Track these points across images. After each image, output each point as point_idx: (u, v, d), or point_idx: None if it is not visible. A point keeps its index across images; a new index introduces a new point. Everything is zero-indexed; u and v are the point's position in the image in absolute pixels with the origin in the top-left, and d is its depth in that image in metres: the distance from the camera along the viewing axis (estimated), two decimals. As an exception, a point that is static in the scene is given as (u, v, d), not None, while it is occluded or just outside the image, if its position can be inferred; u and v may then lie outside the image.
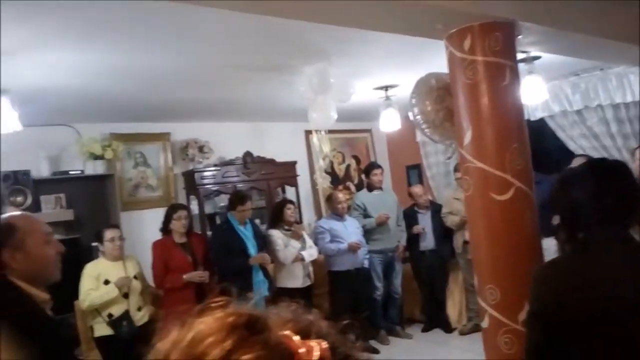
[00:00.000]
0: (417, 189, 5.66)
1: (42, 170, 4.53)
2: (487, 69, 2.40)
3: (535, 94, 4.32)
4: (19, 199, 4.19)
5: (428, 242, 5.47)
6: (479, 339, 2.60)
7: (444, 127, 2.71)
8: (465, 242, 5.06)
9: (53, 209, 4.43)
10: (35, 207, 4.24)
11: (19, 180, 4.22)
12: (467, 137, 2.44)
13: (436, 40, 2.62)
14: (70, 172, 4.63)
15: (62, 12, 2.37)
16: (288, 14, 2.27)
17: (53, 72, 3.21)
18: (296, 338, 0.54)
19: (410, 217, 5.54)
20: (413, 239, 5.49)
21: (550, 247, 2.46)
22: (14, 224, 1.65)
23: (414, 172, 6.85)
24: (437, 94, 2.72)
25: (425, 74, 2.91)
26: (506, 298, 2.33)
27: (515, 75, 2.50)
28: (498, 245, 2.36)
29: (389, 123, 5.10)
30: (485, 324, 2.48)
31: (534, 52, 3.88)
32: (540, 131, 5.32)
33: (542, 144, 5.27)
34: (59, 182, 4.59)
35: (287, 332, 0.54)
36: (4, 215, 1.74)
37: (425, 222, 5.50)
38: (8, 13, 2.29)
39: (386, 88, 4.77)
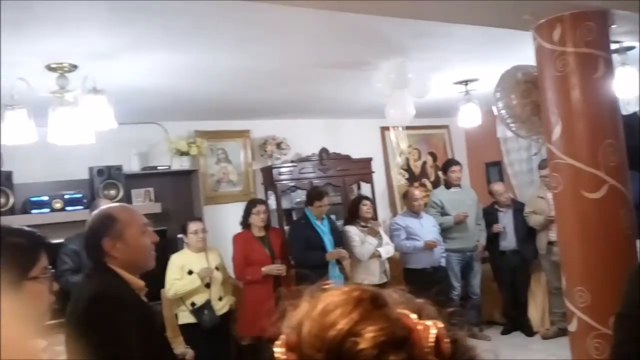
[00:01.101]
0: (498, 187, 5.47)
1: (132, 165, 4.81)
2: (578, 61, 2.28)
3: (628, 86, 4.05)
4: (112, 192, 4.48)
5: (509, 242, 5.28)
6: (563, 344, 2.49)
7: (531, 122, 2.61)
8: (550, 243, 4.84)
9: (142, 202, 4.69)
10: (127, 200, 4.51)
11: (112, 175, 4.51)
12: (556, 132, 2.33)
13: (521, 32, 2.52)
14: (158, 168, 4.89)
15: (153, 18, 2.50)
16: (369, 10, 2.27)
17: (144, 73, 3.40)
18: (413, 316, 0.56)
19: (490, 215, 5.37)
20: (493, 239, 5.32)
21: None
22: (114, 215, 1.77)
23: (494, 169, 6.62)
24: (524, 87, 2.62)
25: (511, 67, 2.81)
26: (597, 301, 2.21)
27: (609, 67, 2.36)
28: (589, 246, 2.24)
29: (469, 118, 4.96)
30: (572, 327, 2.37)
31: (627, 42, 3.64)
32: (633, 126, 4.97)
33: (635, 140, 4.93)
34: (148, 176, 4.86)
35: (404, 311, 0.57)
36: (105, 207, 1.88)
37: (506, 221, 5.31)
38: (104, 20, 2.46)
39: (466, 82, 4.64)
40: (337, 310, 0.55)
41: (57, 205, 4.30)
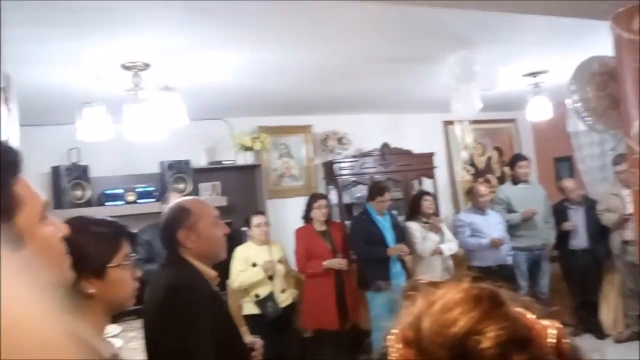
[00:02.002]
0: (568, 183, 5.25)
1: (200, 160, 4.98)
2: (661, 50, 2.15)
3: None
4: (181, 185, 4.66)
5: (580, 241, 5.06)
6: (636, 348, 2.36)
7: (608, 116, 2.48)
8: (624, 242, 4.61)
9: (210, 195, 4.84)
10: (195, 193, 4.67)
11: (181, 169, 4.69)
12: (636, 126, 2.21)
13: (593, 21, 2.40)
14: (224, 162, 5.04)
15: (220, 17, 2.58)
16: (438, 2, 2.24)
17: (211, 71, 3.50)
18: (530, 316, 0.56)
19: (560, 213, 5.16)
20: (563, 237, 5.12)
21: None
22: (188, 208, 1.84)
23: (564, 164, 6.34)
24: (600, 79, 2.49)
25: (587, 58, 2.68)
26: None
27: (696, 56, 2.21)
28: (672, 246, 2.12)
29: (538, 112, 4.78)
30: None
31: None
32: None
33: None
34: (215, 171, 5.01)
35: (522, 310, 0.57)
36: (179, 200, 1.96)
37: (577, 218, 5.09)
38: (175, 20, 2.55)
39: (535, 74, 4.47)
40: (458, 308, 0.55)
41: (130, 197, 4.51)
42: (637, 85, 2.24)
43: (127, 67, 3.17)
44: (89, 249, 1.24)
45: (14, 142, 2.25)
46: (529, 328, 0.54)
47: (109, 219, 1.43)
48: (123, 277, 1.30)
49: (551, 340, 0.54)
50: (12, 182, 0.74)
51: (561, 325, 0.55)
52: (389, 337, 0.58)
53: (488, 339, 0.52)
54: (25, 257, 0.74)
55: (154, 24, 2.61)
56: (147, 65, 3.19)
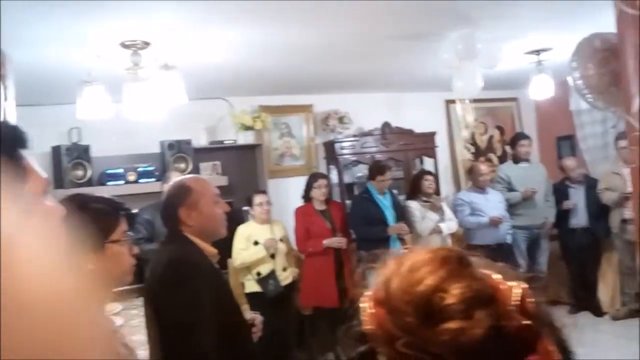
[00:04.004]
0: (569, 162, 5.24)
1: (200, 139, 4.97)
2: (664, 26, 2.13)
3: None
4: (182, 165, 4.66)
5: (580, 220, 5.08)
6: (634, 325, 2.39)
7: (609, 93, 2.47)
8: (624, 221, 4.62)
9: (210, 175, 4.85)
10: (195, 173, 4.67)
11: (181, 149, 4.69)
12: (636, 103, 2.20)
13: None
14: (225, 142, 5.03)
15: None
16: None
17: (211, 49, 3.48)
18: (496, 276, 0.58)
19: (560, 192, 5.17)
20: (563, 216, 5.13)
21: None
22: (189, 186, 1.86)
23: (566, 143, 6.32)
24: (602, 55, 2.47)
25: (589, 35, 2.66)
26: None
27: (700, 32, 2.18)
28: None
29: (541, 90, 4.75)
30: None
31: None
32: None
33: None
34: (215, 150, 5.01)
35: (488, 271, 0.59)
36: (180, 178, 1.97)
37: (577, 197, 5.10)
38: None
39: (538, 52, 4.43)
40: (425, 268, 0.57)
41: (131, 177, 4.52)
42: (638, 61, 2.22)
43: (126, 46, 3.16)
44: (88, 226, 1.26)
45: (11, 119, 2.25)
46: (493, 287, 0.56)
47: (107, 196, 1.44)
48: (121, 252, 1.32)
49: (515, 299, 0.55)
50: (21, 155, 0.76)
51: (527, 286, 0.57)
52: (362, 298, 0.59)
53: (452, 295, 0.54)
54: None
55: (153, 2, 2.59)
56: (146, 44, 3.17)
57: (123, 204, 1.41)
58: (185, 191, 1.83)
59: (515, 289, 0.56)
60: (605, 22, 2.44)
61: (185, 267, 1.69)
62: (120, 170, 4.53)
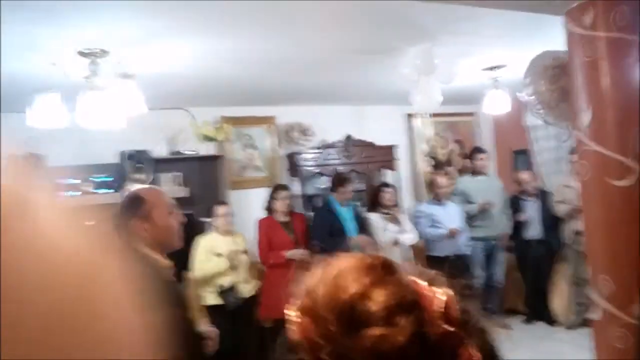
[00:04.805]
0: (525, 175, 5.41)
1: (161, 150, 4.90)
2: (610, 46, 2.23)
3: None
4: (141, 176, 4.58)
5: (534, 231, 5.22)
6: (586, 334, 2.47)
7: (559, 108, 2.57)
8: (576, 233, 4.77)
9: (171, 186, 4.77)
10: (155, 184, 4.60)
11: (141, 159, 4.61)
12: (585, 118, 2.29)
13: (551, 16, 2.47)
14: (186, 153, 4.97)
15: (181, 4, 2.53)
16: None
17: (172, 59, 3.44)
18: (423, 283, 0.58)
19: (516, 204, 5.32)
20: (518, 228, 5.27)
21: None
22: (142, 197, 1.82)
23: (521, 157, 6.52)
24: (553, 73, 2.57)
25: (541, 52, 2.76)
26: (621, 290, 2.19)
27: (642, 53, 2.30)
28: (615, 234, 2.21)
29: (497, 105, 4.89)
30: (596, 316, 2.34)
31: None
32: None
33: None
34: (176, 161, 4.94)
35: (414, 278, 0.59)
36: (134, 188, 1.94)
37: (532, 210, 5.25)
38: (134, 5, 2.50)
39: (494, 69, 4.57)
40: (350, 275, 0.57)
41: (88, 188, 4.41)
42: (587, 79, 2.32)
43: (84, 54, 3.10)
44: None
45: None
46: (417, 294, 0.57)
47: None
48: None
49: (439, 306, 0.56)
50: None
51: (452, 293, 0.57)
52: (288, 307, 0.59)
53: (376, 302, 0.55)
54: None
55: (111, 10, 2.55)
56: (105, 52, 3.11)
57: None
58: (137, 202, 1.80)
59: (440, 296, 0.56)
60: (557, 40, 2.55)
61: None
62: (77, 181, 4.41)
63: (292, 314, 0.59)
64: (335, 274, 0.58)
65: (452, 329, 0.55)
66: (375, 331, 0.53)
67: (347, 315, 0.55)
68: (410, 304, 0.55)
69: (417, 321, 0.54)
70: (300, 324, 0.58)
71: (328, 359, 0.54)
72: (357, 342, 0.53)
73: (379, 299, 0.55)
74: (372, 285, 0.56)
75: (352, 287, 0.56)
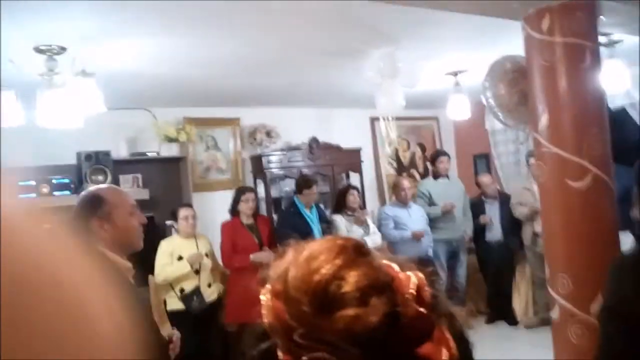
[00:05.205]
0: (485, 178, 5.53)
1: (121, 151, 4.77)
2: (566, 51, 2.31)
3: (616, 80, 4.09)
4: (100, 177, 4.44)
5: (495, 233, 5.34)
6: (545, 333, 2.54)
7: (518, 111, 2.64)
8: (535, 235, 4.91)
9: (130, 188, 4.65)
10: (114, 185, 4.48)
11: (100, 160, 4.48)
12: (543, 121, 2.36)
13: (512, 22, 2.54)
14: (147, 154, 4.86)
15: (142, 1, 2.49)
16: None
17: (133, 58, 3.37)
18: (395, 266, 0.58)
19: (477, 207, 5.42)
20: (479, 230, 5.38)
21: (626, 243, 2.36)
22: (102, 196, 1.77)
23: (482, 161, 6.67)
24: (512, 76, 2.64)
25: (500, 57, 2.83)
26: (578, 288, 2.26)
27: (596, 58, 2.39)
28: (572, 233, 2.28)
29: (458, 110, 4.99)
30: (555, 314, 2.41)
31: (615, 36, 3.68)
32: (621, 120, 5.03)
33: (622, 134, 4.99)
34: (136, 162, 4.83)
35: (386, 261, 0.59)
36: (93, 188, 1.88)
37: (492, 212, 5.37)
38: (92, 2, 2.43)
39: (456, 74, 4.66)
40: (322, 257, 0.57)
41: (45, 190, 4.27)
42: (544, 82, 2.39)
43: (41, 51, 2.99)
44: None
45: None
46: (390, 275, 0.57)
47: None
48: None
49: (412, 288, 0.56)
50: None
51: (423, 276, 0.58)
52: (262, 291, 0.59)
53: (349, 283, 0.55)
54: None
55: (70, 6, 2.47)
56: (63, 49, 3.02)
57: None
58: (97, 201, 1.74)
59: (412, 278, 0.57)
60: (517, 45, 2.62)
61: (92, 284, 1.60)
62: (33, 183, 4.26)
63: (264, 297, 0.58)
64: (306, 256, 0.58)
65: (424, 310, 0.55)
66: (349, 312, 0.53)
67: (320, 296, 0.54)
68: (382, 285, 0.55)
69: (390, 302, 0.54)
70: (272, 307, 0.57)
71: (301, 340, 0.54)
72: (330, 323, 0.53)
73: (351, 280, 0.55)
74: (345, 266, 0.56)
75: (324, 268, 0.56)
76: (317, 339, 0.53)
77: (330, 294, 0.54)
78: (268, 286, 0.59)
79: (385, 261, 0.60)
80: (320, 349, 0.53)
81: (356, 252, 0.58)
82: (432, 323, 0.56)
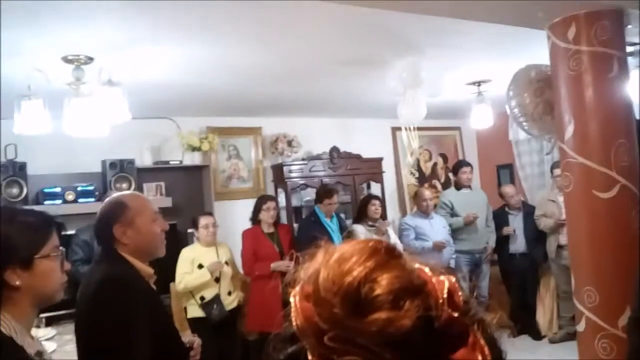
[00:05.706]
0: (508, 189, 5.45)
1: (145, 159, 4.85)
2: (592, 60, 2.27)
3: (644, 89, 4.00)
4: (124, 185, 4.51)
5: (518, 245, 5.25)
6: (570, 348, 2.48)
7: (543, 121, 2.60)
8: (560, 247, 4.81)
9: (154, 196, 4.71)
10: (138, 193, 4.54)
11: (124, 168, 4.55)
12: (569, 131, 2.32)
13: (536, 31, 2.51)
14: (170, 162, 4.92)
15: (168, 11, 2.52)
16: (385, 5, 2.28)
17: (158, 67, 3.42)
18: (427, 270, 0.57)
19: (500, 218, 5.34)
20: (502, 241, 5.30)
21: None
22: (126, 203, 1.79)
23: (505, 171, 6.58)
24: (537, 86, 2.61)
25: (525, 66, 2.80)
26: (606, 301, 2.20)
27: (624, 67, 2.35)
28: (599, 245, 2.23)
29: (481, 120, 4.94)
30: (581, 327, 2.35)
31: (644, 45, 3.61)
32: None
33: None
34: (160, 171, 4.89)
35: (417, 264, 0.58)
36: (117, 194, 1.90)
37: (516, 223, 5.29)
38: (120, 12, 2.48)
39: (479, 83, 4.62)
40: (354, 258, 0.56)
41: (70, 197, 4.34)
42: (571, 92, 2.35)
43: (69, 60, 3.06)
44: (16, 239, 1.19)
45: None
46: (422, 279, 0.56)
47: (37, 209, 1.37)
48: (51, 268, 1.25)
49: (443, 291, 0.55)
50: None
51: (454, 280, 0.57)
52: (292, 292, 0.58)
53: (381, 286, 0.54)
54: None
55: (98, 17, 2.53)
56: (90, 59, 3.08)
57: (54, 217, 1.35)
58: (120, 208, 1.76)
59: (445, 282, 0.56)
60: (542, 55, 2.59)
61: (117, 286, 1.61)
62: (58, 189, 4.34)
63: (293, 299, 0.57)
64: (337, 257, 0.57)
65: (456, 314, 0.54)
66: (382, 315, 0.52)
67: (352, 299, 0.53)
68: (415, 288, 0.54)
69: (423, 305, 0.53)
70: (302, 309, 0.56)
71: (332, 343, 0.53)
72: (362, 326, 0.52)
73: (384, 282, 0.54)
74: (377, 268, 0.55)
75: (356, 270, 0.55)
76: (348, 341, 0.52)
77: (362, 296, 0.53)
78: (297, 288, 0.58)
79: (417, 265, 0.59)
80: (352, 352, 0.52)
81: (388, 255, 0.57)
82: (467, 328, 0.55)
